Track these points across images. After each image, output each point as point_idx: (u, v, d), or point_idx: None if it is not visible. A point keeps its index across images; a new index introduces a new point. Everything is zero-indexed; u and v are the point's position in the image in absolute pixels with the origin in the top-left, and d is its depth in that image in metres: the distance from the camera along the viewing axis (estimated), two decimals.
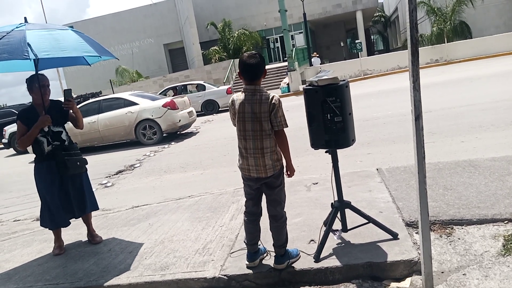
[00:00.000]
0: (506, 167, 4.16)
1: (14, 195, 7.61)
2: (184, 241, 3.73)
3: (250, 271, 2.98)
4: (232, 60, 27.40)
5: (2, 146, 15.73)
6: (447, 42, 22.82)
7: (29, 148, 3.98)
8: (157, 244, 3.79)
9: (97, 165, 8.99)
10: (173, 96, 15.44)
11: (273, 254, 2.99)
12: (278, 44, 36.02)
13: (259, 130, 2.73)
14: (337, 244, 3.14)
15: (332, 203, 3.22)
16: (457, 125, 7.05)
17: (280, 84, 22.20)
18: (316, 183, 4.74)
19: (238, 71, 2.81)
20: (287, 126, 2.78)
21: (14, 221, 5.75)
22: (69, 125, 3.98)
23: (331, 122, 2.88)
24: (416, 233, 3.09)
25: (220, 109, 18.04)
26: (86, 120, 10.72)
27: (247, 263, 3.02)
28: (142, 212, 4.92)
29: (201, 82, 19.61)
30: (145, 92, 16.17)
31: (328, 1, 33.94)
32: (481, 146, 5.56)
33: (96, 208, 4.18)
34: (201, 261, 3.26)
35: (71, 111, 3.90)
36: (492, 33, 23.15)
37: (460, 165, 4.45)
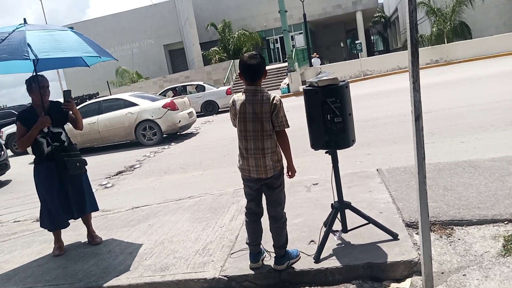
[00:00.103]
0: (506, 167, 4.16)
1: (14, 196, 7.61)
2: (184, 242, 3.73)
3: (250, 272, 2.98)
4: (232, 60, 27.41)
5: None
6: (447, 43, 22.83)
7: (29, 149, 3.98)
8: (157, 245, 3.79)
9: (97, 166, 8.99)
10: (172, 97, 15.45)
11: (273, 255, 2.99)
12: (278, 45, 36.05)
13: (260, 130, 2.73)
14: (337, 245, 3.14)
15: (332, 204, 3.22)
16: (457, 125, 7.05)
17: (280, 85, 22.20)
18: (316, 184, 4.74)
19: (238, 71, 2.81)
20: (289, 126, 2.78)
21: (14, 222, 5.75)
22: (68, 126, 3.98)
23: (331, 123, 2.88)
24: (416, 233, 3.08)
25: (219, 109, 18.04)
26: (86, 121, 10.73)
27: (251, 264, 3.01)
28: (142, 213, 4.92)
29: (201, 83, 19.62)
30: (145, 93, 16.19)
31: (328, 1, 33.97)
32: (481, 146, 5.56)
33: (96, 209, 4.18)
34: (201, 262, 3.25)
35: (70, 112, 3.90)
36: (492, 33, 23.16)
37: (460, 166, 4.45)
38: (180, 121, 11.44)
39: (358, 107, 10.05)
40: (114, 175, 8.10)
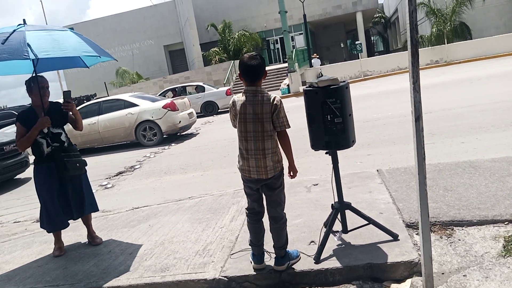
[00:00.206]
0: (506, 168, 4.16)
1: (14, 197, 7.61)
2: (184, 243, 3.73)
3: (251, 273, 2.97)
4: (232, 61, 27.42)
5: None
6: (447, 43, 22.84)
7: (28, 150, 3.98)
8: (157, 245, 3.79)
9: (97, 167, 8.99)
10: (172, 97, 15.46)
11: (273, 255, 2.99)
12: (278, 45, 36.05)
13: (261, 131, 2.73)
14: (337, 245, 3.14)
15: (332, 204, 3.22)
16: (457, 126, 7.05)
17: (280, 85, 22.21)
18: (316, 184, 4.73)
19: (238, 72, 2.81)
20: (290, 127, 2.79)
21: (14, 222, 5.75)
22: (68, 126, 3.98)
23: (331, 123, 2.88)
24: (417, 234, 3.08)
25: (219, 110, 18.04)
26: (86, 121, 10.75)
27: (255, 265, 2.99)
28: (142, 214, 4.92)
29: (201, 84, 19.63)
30: (145, 93, 16.20)
31: (328, 2, 33.97)
32: (481, 147, 5.56)
33: (95, 209, 4.18)
34: (201, 263, 3.25)
35: (70, 112, 3.90)
36: (492, 34, 23.17)
37: (460, 166, 4.44)
38: (180, 121, 11.45)
39: (358, 107, 10.06)
40: (114, 176, 8.10)
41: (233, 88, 22.64)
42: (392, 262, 2.79)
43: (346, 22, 38.23)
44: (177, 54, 38.74)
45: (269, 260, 3.05)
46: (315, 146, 3.07)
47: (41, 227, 4.03)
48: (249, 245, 3.04)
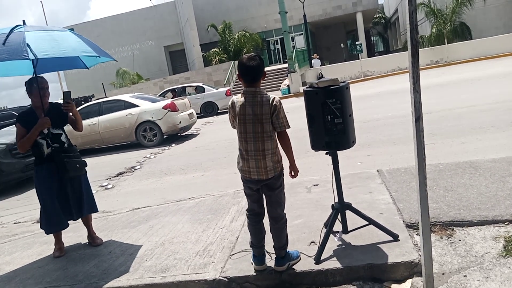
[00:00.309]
0: (506, 168, 4.15)
1: (15, 198, 7.61)
2: (185, 243, 3.73)
3: (251, 273, 2.97)
4: (233, 62, 27.42)
5: None
6: (447, 43, 22.83)
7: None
8: (158, 246, 3.79)
9: (97, 167, 9.00)
10: (172, 98, 15.47)
11: (274, 256, 2.98)
12: (279, 46, 36.06)
13: (260, 132, 2.73)
14: (337, 246, 3.13)
15: (332, 205, 3.22)
16: (457, 126, 7.05)
17: (280, 86, 22.21)
18: (317, 185, 4.73)
19: (237, 73, 2.81)
20: (290, 127, 2.79)
21: (14, 223, 5.75)
22: (68, 127, 3.98)
23: (332, 124, 2.88)
24: (417, 234, 3.08)
25: (219, 111, 18.05)
26: (86, 122, 10.76)
27: (256, 266, 2.99)
28: (142, 214, 4.92)
29: (200, 84, 19.64)
30: (145, 94, 16.20)
31: (328, 2, 33.99)
32: (481, 147, 5.56)
33: (95, 210, 4.18)
34: (202, 263, 3.25)
35: (70, 113, 3.90)
36: (492, 34, 23.15)
37: (461, 167, 4.44)
38: (180, 122, 11.45)
39: (359, 108, 10.03)
40: (115, 176, 8.10)
41: (233, 88, 22.66)
42: (393, 263, 2.79)
43: (346, 22, 38.25)
44: (177, 54, 38.75)
45: (270, 260, 3.05)
46: (315, 146, 3.07)
47: (41, 228, 4.02)
48: (250, 246, 3.04)
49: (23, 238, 4.85)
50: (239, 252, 3.31)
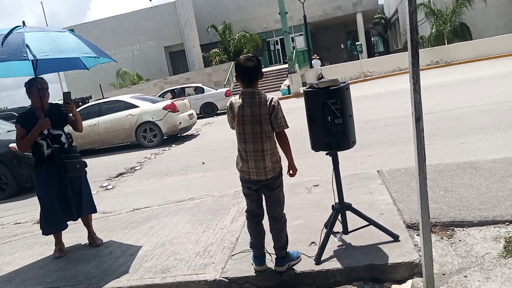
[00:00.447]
0: (507, 168, 4.15)
1: (15, 198, 7.60)
2: (185, 244, 3.73)
3: (251, 274, 2.97)
4: (233, 62, 27.36)
5: None
6: (447, 44, 22.83)
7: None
8: (158, 246, 3.78)
9: (97, 168, 9.00)
10: (171, 99, 15.46)
11: (274, 256, 2.98)
12: (279, 46, 36.05)
13: (259, 132, 2.73)
14: (338, 246, 3.13)
15: (332, 205, 3.22)
16: (457, 126, 7.04)
17: (280, 86, 22.21)
18: (317, 185, 4.73)
19: (235, 74, 2.81)
20: (288, 127, 2.79)
21: (14, 224, 5.75)
22: (68, 128, 3.98)
23: (332, 124, 2.88)
24: (417, 235, 3.08)
25: (218, 111, 18.05)
26: (86, 122, 10.76)
27: (256, 267, 2.99)
28: (142, 215, 4.92)
29: (200, 85, 19.63)
30: (145, 94, 16.20)
31: (328, 3, 33.99)
32: (482, 147, 5.55)
33: (94, 211, 4.18)
34: (202, 264, 3.25)
35: (70, 114, 3.90)
36: (492, 34, 23.15)
37: (461, 167, 4.44)
38: (180, 123, 11.46)
39: (359, 108, 10.03)
40: (115, 177, 8.10)
41: (233, 89, 22.66)
42: (393, 263, 2.79)
43: (346, 23, 38.24)
44: (177, 55, 38.76)
45: (270, 261, 3.05)
46: (316, 147, 3.07)
47: (40, 228, 4.02)
48: (250, 247, 3.04)
49: (23, 239, 4.85)
50: (240, 252, 3.31)
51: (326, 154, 3.10)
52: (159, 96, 17.56)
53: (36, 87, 3.70)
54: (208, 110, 18.23)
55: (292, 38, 32.06)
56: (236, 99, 2.80)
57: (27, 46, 3.19)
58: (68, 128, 3.97)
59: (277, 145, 2.85)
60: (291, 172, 2.93)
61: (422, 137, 2.24)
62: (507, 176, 3.95)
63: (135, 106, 11.47)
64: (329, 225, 3.12)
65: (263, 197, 2.94)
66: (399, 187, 4.19)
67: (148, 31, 37.60)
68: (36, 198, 3.93)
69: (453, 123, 7.32)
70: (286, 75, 23.23)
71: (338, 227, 3.20)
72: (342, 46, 38.08)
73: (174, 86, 23.37)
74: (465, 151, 5.52)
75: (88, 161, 4.12)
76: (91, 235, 4.18)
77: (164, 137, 11.43)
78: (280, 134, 2.80)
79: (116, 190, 7.09)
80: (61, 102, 4.10)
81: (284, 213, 2.96)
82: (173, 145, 11.02)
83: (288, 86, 21.02)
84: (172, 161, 8.76)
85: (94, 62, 4.20)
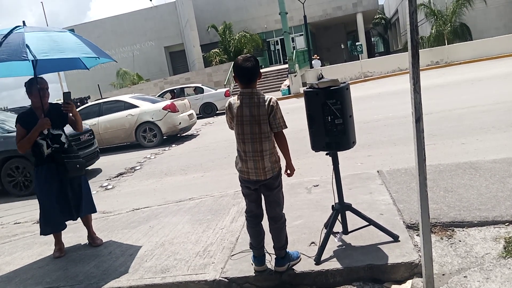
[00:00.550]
0: (507, 169, 4.15)
1: (15, 198, 7.60)
2: (185, 244, 3.73)
3: (251, 274, 2.97)
4: (233, 62, 27.38)
5: None
6: (447, 44, 22.84)
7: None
8: (158, 246, 3.78)
9: (97, 168, 9.00)
10: (170, 99, 15.46)
11: (274, 256, 2.98)
12: (279, 47, 36.06)
13: (258, 132, 2.73)
14: (338, 247, 3.13)
15: (332, 206, 3.22)
16: (457, 127, 7.04)
17: (280, 87, 22.22)
18: (317, 185, 4.73)
19: (233, 74, 2.81)
20: (287, 127, 2.79)
21: (14, 223, 5.75)
22: (68, 128, 3.98)
23: (332, 125, 2.88)
24: (417, 235, 3.08)
25: (218, 111, 18.05)
26: (86, 122, 10.72)
27: (256, 267, 2.99)
28: (142, 215, 4.92)
29: (199, 85, 19.63)
30: (145, 94, 16.21)
31: (329, 3, 34.01)
32: (482, 148, 5.55)
33: (93, 211, 4.18)
34: (202, 264, 3.25)
35: (70, 114, 3.90)
36: (492, 35, 23.15)
37: (461, 167, 4.44)
38: (180, 123, 11.46)
39: (359, 108, 10.04)
40: (115, 177, 8.10)
41: (233, 89, 22.64)
42: (393, 263, 2.79)
43: (347, 23, 38.26)
44: (177, 55, 38.76)
45: (270, 261, 3.05)
46: (316, 147, 3.07)
47: (40, 228, 4.02)
48: (250, 247, 3.04)
49: (23, 239, 4.85)
50: (239, 252, 3.31)
51: (326, 154, 3.10)
52: (158, 96, 17.56)
53: (36, 87, 3.70)
54: (207, 110, 18.23)
55: (292, 38, 32.07)
56: (234, 100, 2.80)
57: (27, 46, 3.19)
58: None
59: (276, 145, 2.85)
60: (288, 172, 2.93)
61: (422, 138, 2.24)
62: (507, 176, 3.95)
63: (135, 106, 11.47)
64: (329, 225, 3.12)
65: (263, 197, 2.94)
66: (399, 187, 4.19)
67: (148, 31, 37.61)
68: (35, 197, 3.93)
69: (453, 124, 7.32)
70: (286, 75, 23.24)
71: (338, 227, 3.20)
72: (342, 46, 38.08)
73: (174, 86, 23.36)
74: (465, 152, 5.52)
75: None
76: (91, 235, 4.18)
77: (164, 137, 11.44)
78: (278, 134, 2.80)
79: (116, 190, 7.09)
80: (61, 102, 4.10)
81: (284, 213, 2.96)
82: (173, 145, 11.02)
83: (288, 86, 21.02)
84: (172, 161, 8.76)
85: (94, 62, 4.20)
